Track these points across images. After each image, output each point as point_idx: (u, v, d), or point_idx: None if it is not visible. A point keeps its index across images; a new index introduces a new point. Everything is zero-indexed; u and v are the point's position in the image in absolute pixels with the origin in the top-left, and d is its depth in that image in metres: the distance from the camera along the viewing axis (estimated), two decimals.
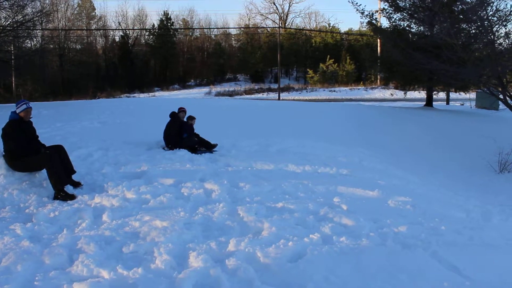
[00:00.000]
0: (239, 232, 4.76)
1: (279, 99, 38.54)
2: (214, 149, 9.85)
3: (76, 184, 6.34)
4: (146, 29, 60.50)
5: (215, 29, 67.48)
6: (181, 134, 9.80)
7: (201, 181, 6.72)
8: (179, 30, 63.27)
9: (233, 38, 68.12)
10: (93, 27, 59.54)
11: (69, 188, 6.02)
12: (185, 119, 10.27)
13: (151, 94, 45.95)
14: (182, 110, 10.33)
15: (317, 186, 6.65)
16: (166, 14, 58.52)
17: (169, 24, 59.40)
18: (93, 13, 60.38)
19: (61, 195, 5.79)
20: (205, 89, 48.39)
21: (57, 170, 5.99)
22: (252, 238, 4.47)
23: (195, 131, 10.20)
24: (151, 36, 59.87)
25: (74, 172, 6.55)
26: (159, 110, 14.40)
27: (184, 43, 64.06)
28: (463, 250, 4.55)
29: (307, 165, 8.18)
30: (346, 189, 6.56)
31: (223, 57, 62.01)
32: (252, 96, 42.79)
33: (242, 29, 65.11)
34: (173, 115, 10.13)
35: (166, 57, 58.72)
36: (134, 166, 7.65)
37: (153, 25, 60.68)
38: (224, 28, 68.02)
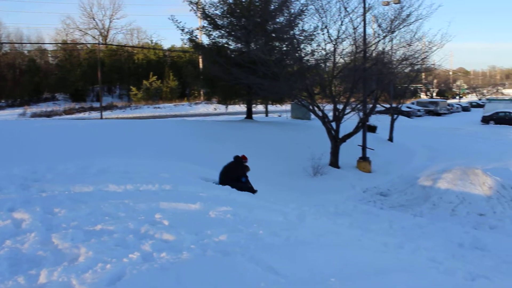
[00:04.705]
0: (53, 261, 4.35)
1: (101, 118, 37.04)
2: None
3: None
4: None
5: (28, 44, 62.07)
6: (238, 178, 10.45)
7: (10, 211, 6.01)
8: None
9: (49, 55, 63.60)
10: None
11: None
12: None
13: None
14: (246, 160, 11.00)
15: (138, 204, 6.46)
16: None
17: None
18: None
19: None
20: (19, 110, 43.99)
21: None
22: (67, 266, 4.12)
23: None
24: None
25: None
26: None
27: None
28: (279, 250, 4.81)
29: (128, 184, 7.91)
30: (168, 205, 6.49)
31: (39, 75, 57.27)
32: (73, 116, 40.33)
33: (59, 45, 61.02)
34: (237, 159, 10.88)
35: None
36: None
37: None
38: (39, 43, 62.94)
